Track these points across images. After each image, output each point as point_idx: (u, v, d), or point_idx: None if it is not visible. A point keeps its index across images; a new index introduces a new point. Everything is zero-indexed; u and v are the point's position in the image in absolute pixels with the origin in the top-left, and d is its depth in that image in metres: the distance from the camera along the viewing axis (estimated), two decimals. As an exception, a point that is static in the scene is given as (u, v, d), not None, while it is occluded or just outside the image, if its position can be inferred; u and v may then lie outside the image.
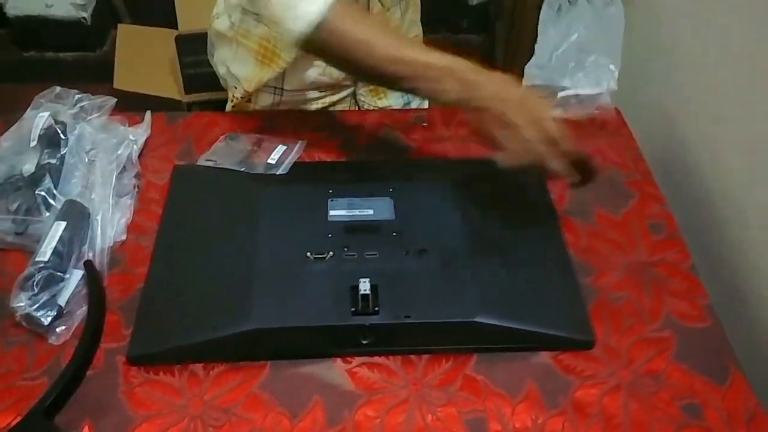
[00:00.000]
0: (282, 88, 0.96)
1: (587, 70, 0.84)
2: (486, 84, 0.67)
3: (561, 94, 0.86)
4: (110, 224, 0.76)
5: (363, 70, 0.72)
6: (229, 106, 1.02)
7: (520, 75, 1.71)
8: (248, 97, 0.98)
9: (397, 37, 0.74)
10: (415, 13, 1.02)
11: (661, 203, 0.82)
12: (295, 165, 0.83)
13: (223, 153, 0.84)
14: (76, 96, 0.85)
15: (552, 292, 0.70)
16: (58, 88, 0.85)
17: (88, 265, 0.73)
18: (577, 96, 0.85)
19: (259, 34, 0.91)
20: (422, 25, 1.83)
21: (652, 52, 1.11)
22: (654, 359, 0.67)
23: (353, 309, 0.65)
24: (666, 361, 0.67)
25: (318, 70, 0.94)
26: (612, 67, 0.84)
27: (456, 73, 0.68)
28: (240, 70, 0.95)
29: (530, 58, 1.75)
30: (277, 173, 0.81)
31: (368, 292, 0.65)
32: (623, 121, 0.94)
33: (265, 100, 0.98)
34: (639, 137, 0.91)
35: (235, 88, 0.98)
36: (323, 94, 0.99)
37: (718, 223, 0.88)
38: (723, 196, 0.87)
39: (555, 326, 0.67)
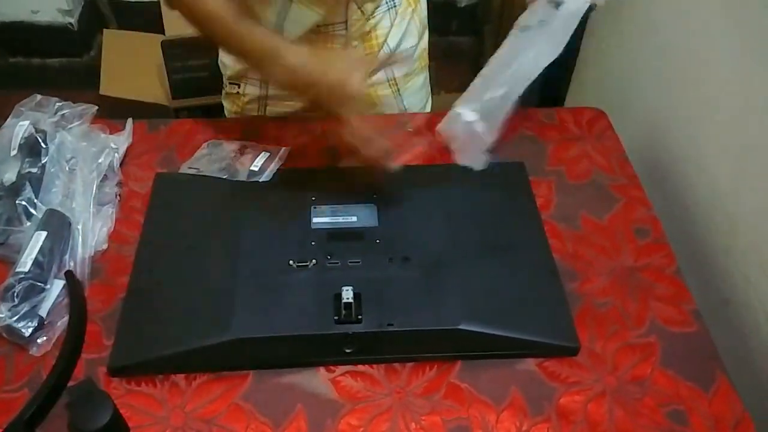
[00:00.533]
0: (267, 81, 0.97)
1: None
2: (318, 77, 0.67)
3: None
4: (91, 233, 0.76)
5: (216, 44, 0.75)
6: (223, 93, 1.04)
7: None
8: (237, 87, 0.99)
9: (240, 15, 0.71)
10: (414, 24, 0.99)
11: (647, 207, 0.82)
12: (278, 172, 0.82)
13: (206, 160, 0.83)
14: (57, 104, 0.84)
15: (536, 299, 0.70)
16: (38, 96, 0.85)
17: (69, 276, 0.72)
18: None
19: None
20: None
21: (641, 57, 1.11)
22: (639, 365, 0.67)
23: (336, 317, 0.65)
24: (651, 366, 0.67)
25: None
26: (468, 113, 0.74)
27: (281, 59, 0.67)
28: (226, 57, 0.98)
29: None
30: (261, 180, 0.80)
31: (351, 300, 0.65)
32: (609, 124, 0.93)
33: (251, 91, 0.98)
34: (626, 141, 0.91)
35: (224, 74, 1.01)
36: None
37: (705, 230, 0.87)
38: (710, 203, 0.87)
39: (539, 333, 0.67)
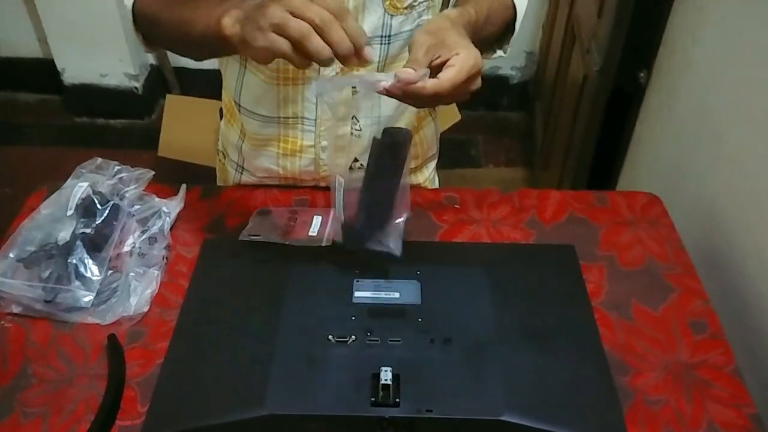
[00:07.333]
0: (243, 167, 0.98)
1: None
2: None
3: None
4: (134, 295, 0.76)
5: (183, 44, 0.76)
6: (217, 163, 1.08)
7: (558, 161, 1.70)
8: (222, 158, 1.03)
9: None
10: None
11: (703, 300, 0.78)
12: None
13: (264, 228, 0.83)
14: (116, 167, 0.87)
15: (585, 392, 0.66)
16: (99, 159, 0.87)
17: (111, 339, 0.72)
18: None
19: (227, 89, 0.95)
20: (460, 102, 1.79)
21: (696, 143, 1.09)
22: (694, 472, 0.62)
23: (373, 399, 0.63)
24: (708, 474, 0.62)
25: (271, 160, 0.93)
26: None
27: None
28: (222, 127, 1.02)
29: (571, 139, 1.74)
30: (322, 245, 0.80)
31: (389, 382, 0.63)
32: (665, 210, 0.91)
33: (228, 176, 1.02)
34: (681, 229, 0.88)
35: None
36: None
37: (766, 327, 0.83)
38: (771, 297, 0.83)
39: (588, 429, 0.63)
